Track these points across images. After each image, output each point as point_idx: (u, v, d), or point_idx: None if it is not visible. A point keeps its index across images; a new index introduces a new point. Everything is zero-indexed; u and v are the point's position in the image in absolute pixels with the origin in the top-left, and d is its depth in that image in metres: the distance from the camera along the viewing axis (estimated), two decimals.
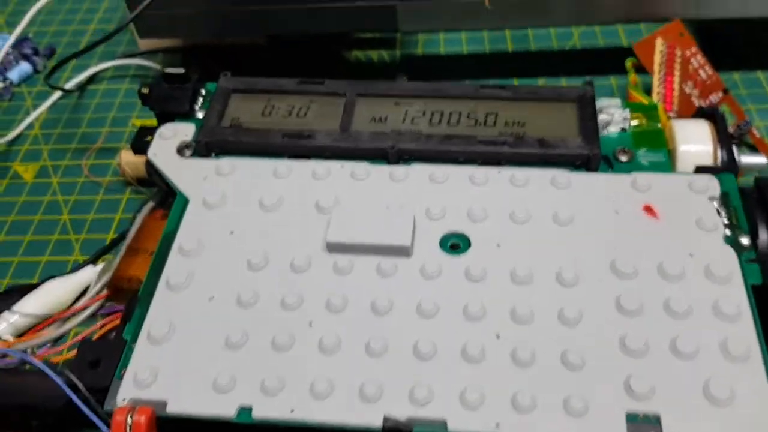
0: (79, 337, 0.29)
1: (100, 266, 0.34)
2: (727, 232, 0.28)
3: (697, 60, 0.38)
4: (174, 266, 0.29)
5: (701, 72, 0.38)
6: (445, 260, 0.28)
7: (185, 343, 0.26)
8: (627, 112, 0.33)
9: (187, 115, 0.35)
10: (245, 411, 0.25)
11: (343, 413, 0.24)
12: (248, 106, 0.34)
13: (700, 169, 0.31)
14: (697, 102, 0.37)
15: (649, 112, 0.33)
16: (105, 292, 0.31)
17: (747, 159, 0.32)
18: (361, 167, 0.32)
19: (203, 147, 0.33)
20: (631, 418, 0.23)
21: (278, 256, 0.29)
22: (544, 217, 0.29)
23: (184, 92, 0.35)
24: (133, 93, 0.46)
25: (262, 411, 0.24)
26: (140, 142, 0.35)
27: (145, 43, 0.49)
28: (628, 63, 0.38)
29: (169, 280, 0.28)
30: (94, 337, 0.29)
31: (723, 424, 0.23)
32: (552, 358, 0.25)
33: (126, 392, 0.25)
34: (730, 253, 0.28)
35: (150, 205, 0.34)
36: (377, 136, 0.32)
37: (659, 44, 0.38)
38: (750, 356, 0.25)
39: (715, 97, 0.38)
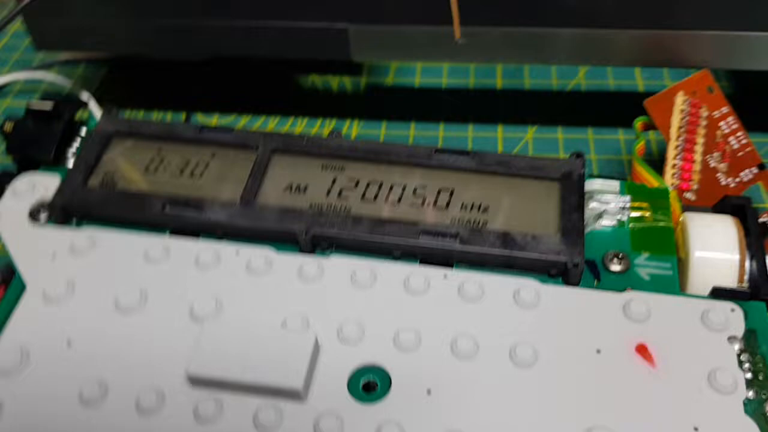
0: None
1: None
2: (750, 394, 0.20)
3: (728, 124, 0.30)
4: None
5: (732, 140, 0.30)
6: (352, 410, 0.20)
7: None
8: (627, 200, 0.25)
9: (54, 164, 0.27)
10: None
11: None
12: (129, 158, 0.27)
13: (718, 292, 0.23)
14: (723, 179, 0.29)
15: (657, 199, 0.25)
16: None
17: None
18: (260, 257, 0.24)
19: (59, 212, 0.25)
20: None
21: (122, 387, 0.21)
22: (497, 353, 0.21)
23: (51, 134, 0.27)
24: None
25: None
26: None
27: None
28: (637, 124, 0.29)
29: None
30: None
31: None
32: None
33: None
34: (752, 430, 0.19)
35: None
36: (288, 214, 0.24)
37: (680, 101, 0.29)
38: None
39: (747, 174, 0.29)
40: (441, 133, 0.37)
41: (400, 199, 0.25)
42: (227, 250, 0.24)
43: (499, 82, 0.40)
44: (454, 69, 0.40)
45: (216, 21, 0.33)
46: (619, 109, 0.37)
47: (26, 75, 0.41)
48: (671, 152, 0.29)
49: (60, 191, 0.25)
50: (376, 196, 0.25)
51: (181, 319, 0.23)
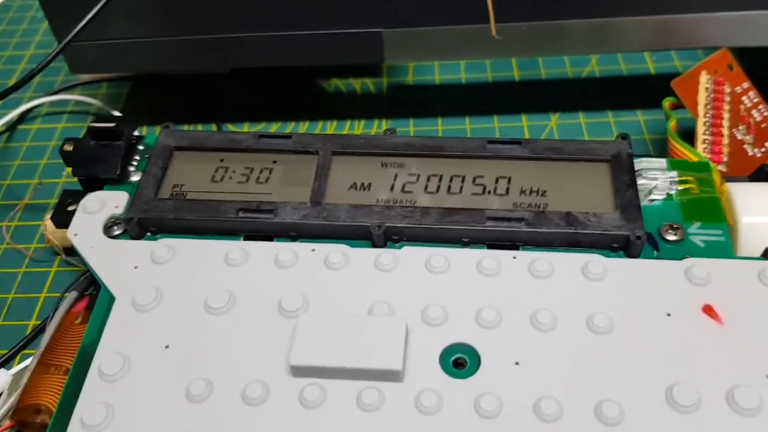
0: None
1: (14, 370, 0.27)
2: None
3: (750, 98, 0.32)
4: (90, 398, 0.22)
5: (755, 113, 0.32)
6: (448, 386, 0.22)
7: None
8: (674, 176, 0.27)
9: (119, 181, 0.28)
10: None
11: None
12: (194, 170, 0.28)
13: None
14: (750, 150, 0.31)
15: (700, 173, 0.27)
16: (7, 422, 0.24)
17: None
18: (337, 252, 0.25)
19: (135, 226, 0.26)
20: None
21: (227, 382, 0.22)
22: (575, 323, 0.23)
23: (114, 152, 0.28)
24: (71, 132, 0.40)
25: None
26: (62, 213, 0.29)
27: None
28: (666, 103, 0.31)
29: (83, 419, 0.22)
30: None
31: None
32: None
33: None
34: None
35: (72, 296, 0.27)
36: (359, 211, 0.26)
37: (704, 80, 0.31)
38: None
39: None
40: (468, 126, 0.39)
41: (461, 190, 0.26)
42: (303, 249, 0.26)
43: (516, 74, 0.41)
44: (471, 65, 0.42)
45: (245, 32, 0.35)
46: (634, 90, 0.39)
47: (52, 98, 0.42)
48: (700, 128, 0.31)
49: (134, 206, 0.27)
50: (438, 188, 0.27)
51: (271, 315, 0.24)
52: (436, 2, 0.33)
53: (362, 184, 0.27)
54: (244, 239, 0.26)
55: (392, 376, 0.22)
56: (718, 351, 0.22)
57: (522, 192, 0.26)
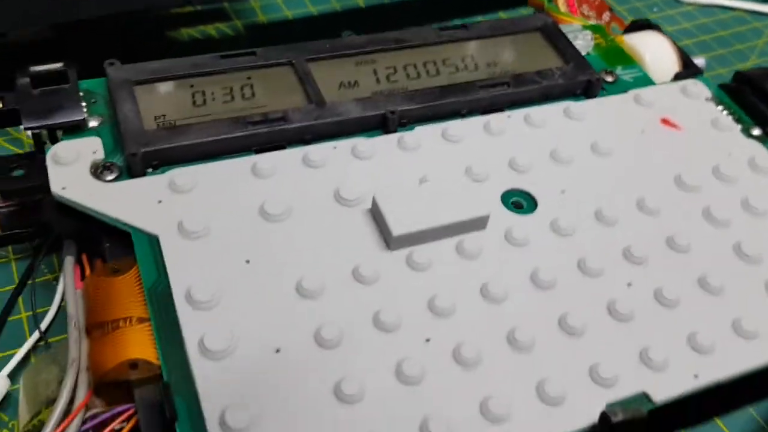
0: None
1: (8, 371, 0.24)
2: (739, 127, 0.30)
3: None
4: (196, 325, 0.21)
5: None
6: (524, 222, 0.25)
7: (284, 417, 0.19)
8: (590, 35, 0.32)
9: (78, 129, 0.25)
10: None
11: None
12: (169, 99, 0.26)
13: (678, 76, 0.32)
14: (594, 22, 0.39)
15: (599, 32, 0.33)
16: (81, 401, 0.21)
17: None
18: (362, 144, 0.26)
19: (140, 161, 0.24)
20: None
21: (332, 273, 0.23)
22: (585, 152, 0.28)
23: (70, 95, 0.25)
24: None
25: None
26: (8, 181, 0.25)
27: None
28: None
29: (206, 345, 0.20)
30: None
31: None
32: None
33: None
34: (758, 145, 0.29)
35: (70, 261, 0.24)
36: (365, 103, 0.27)
37: None
38: None
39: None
40: None
41: (438, 72, 0.29)
42: (326, 147, 0.26)
43: (361, 1, 0.44)
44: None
45: None
46: None
47: None
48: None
49: (128, 141, 0.24)
50: (419, 74, 0.29)
51: (335, 208, 0.24)
52: None
53: (349, 82, 0.28)
54: (257, 152, 0.26)
55: (480, 224, 0.24)
56: (690, 146, 0.28)
57: (488, 65, 0.30)
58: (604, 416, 0.20)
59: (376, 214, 0.24)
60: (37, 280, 0.27)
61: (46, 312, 0.25)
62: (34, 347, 0.25)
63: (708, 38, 0.44)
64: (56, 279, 0.27)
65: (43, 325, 0.24)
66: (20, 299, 0.26)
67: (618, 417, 0.20)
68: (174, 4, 0.37)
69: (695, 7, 0.46)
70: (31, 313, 0.26)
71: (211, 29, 0.41)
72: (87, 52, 0.29)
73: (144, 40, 0.40)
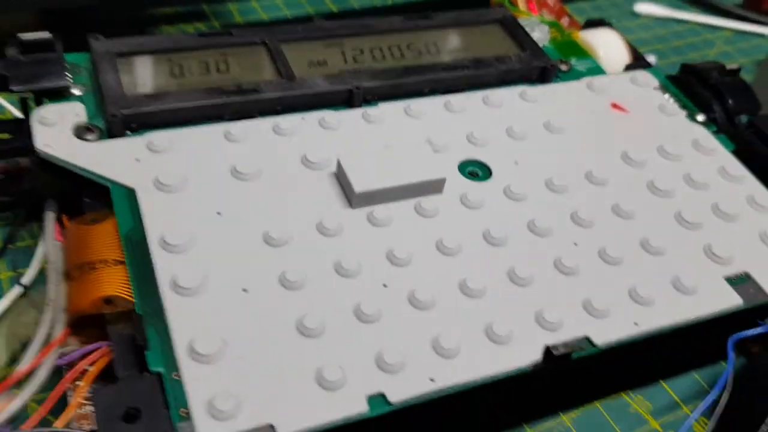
0: (49, 404, 0.21)
1: None
2: (685, 113, 0.32)
3: None
4: (169, 266, 0.22)
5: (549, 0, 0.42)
6: (479, 188, 0.27)
7: (248, 348, 0.21)
8: (547, 28, 0.35)
9: (61, 93, 0.27)
10: (376, 400, 0.20)
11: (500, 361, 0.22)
12: (148, 69, 0.28)
13: (629, 67, 0.34)
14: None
15: (555, 26, 0.36)
16: (57, 337, 0.22)
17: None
18: (329, 116, 0.28)
19: (120, 122, 0.26)
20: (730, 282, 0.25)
21: (297, 225, 0.24)
22: (535, 131, 0.30)
23: (55, 62, 0.27)
24: None
25: (397, 393, 0.21)
26: None
27: None
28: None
29: (178, 282, 0.22)
30: (83, 390, 0.21)
31: None
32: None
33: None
34: (702, 129, 0.31)
35: (51, 215, 0.26)
36: (332, 79, 0.29)
37: None
38: None
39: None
40: None
41: (402, 55, 0.31)
42: (294, 118, 0.28)
43: (333, 6, 0.47)
44: (288, 2, 0.46)
45: None
46: None
47: None
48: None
49: (110, 104, 0.26)
50: (384, 56, 0.31)
51: (301, 170, 0.26)
52: None
53: (318, 61, 0.30)
54: (229, 120, 0.28)
55: (437, 186, 0.26)
56: (637, 127, 0.31)
57: (450, 51, 0.32)
58: (547, 351, 0.22)
59: (340, 175, 0.26)
60: (18, 244, 0.28)
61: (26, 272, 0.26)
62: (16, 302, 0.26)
63: (663, 47, 0.47)
64: (37, 244, 0.28)
65: (25, 280, 0.26)
66: (2, 261, 0.28)
67: (559, 351, 0.22)
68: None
69: (651, 19, 0.49)
70: (12, 273, 0.27)
71: (190, 29, 0.43)
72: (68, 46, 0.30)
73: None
